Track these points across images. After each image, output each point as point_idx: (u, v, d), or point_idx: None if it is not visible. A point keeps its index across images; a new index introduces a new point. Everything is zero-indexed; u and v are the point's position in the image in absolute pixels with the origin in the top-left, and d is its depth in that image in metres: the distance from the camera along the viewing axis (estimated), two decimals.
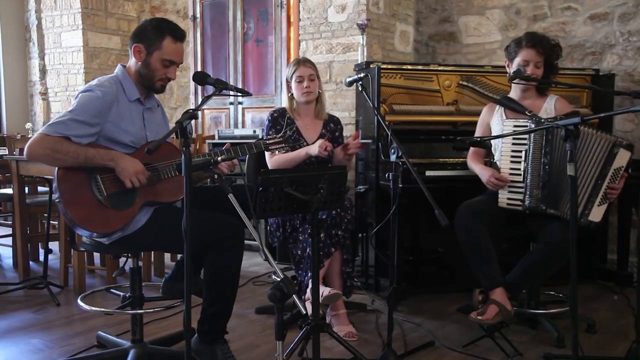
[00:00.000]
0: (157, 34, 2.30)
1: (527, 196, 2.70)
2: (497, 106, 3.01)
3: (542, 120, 2.69)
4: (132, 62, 2.37)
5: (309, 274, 2.74)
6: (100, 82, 2.31)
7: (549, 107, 2.91)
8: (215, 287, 2.28)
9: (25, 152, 2.16)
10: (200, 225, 2.09)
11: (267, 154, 3.09)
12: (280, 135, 2.51)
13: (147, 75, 2.34)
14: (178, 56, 2.35)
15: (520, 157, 2.72)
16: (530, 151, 2.69)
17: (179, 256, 3.38)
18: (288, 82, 3.19)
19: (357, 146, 3.00)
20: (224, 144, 2.40)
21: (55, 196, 2.18)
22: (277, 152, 2.55)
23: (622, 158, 2.64)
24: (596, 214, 2.66)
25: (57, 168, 2.18)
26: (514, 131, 2.71)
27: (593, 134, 2.63)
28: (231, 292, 2.33)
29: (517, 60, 2.84)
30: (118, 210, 2.19)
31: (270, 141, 2.42)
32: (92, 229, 2.19)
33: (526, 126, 2.68)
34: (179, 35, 2.34)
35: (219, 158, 2.25)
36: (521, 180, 2.71)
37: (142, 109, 2.38)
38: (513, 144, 2.76)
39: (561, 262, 2.57)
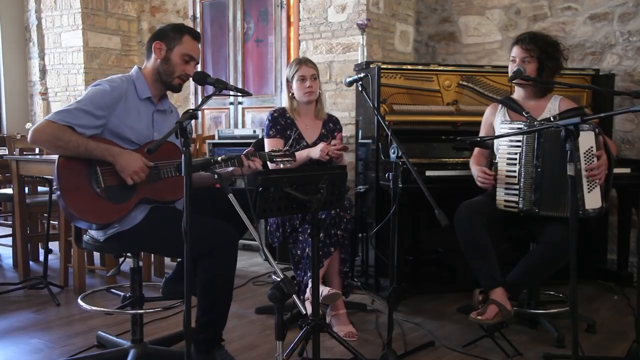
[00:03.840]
0: (177, 32, 2.39)
1: (520, 198, 2.70)
2: (500, 106, 3.02)
3: (536, 123, 2.69)
4: (149, 61, 2.41)
5: (309, 274, 2.74)
6: (111, 78, 2.37)
7: (552, 107, 2.90)
8: (209, 295, 2.24)
9: (29, 136, 2.21)
10: (193, 230, 2.07)
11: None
12: (286, 149, 2.53)
13: (166, 70, 2.37)
14: (197, 53, 2.42)
15: (516, 159, 2.72)
16: (523, 154, 2.69)
17: None
18: (289, 82, 3.19)
19: (338, 148, 2.97)
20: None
21: (53, 185, 2.21)
22: (281, 165, 2.54)
23: (586, 140, 2.59)
24: (591, 200, 2.62)
25: (58, 156, 2.21)
26: (507, 133, 2.72)
27: (551, 132, 2.61)
28: (225, 299, 2.28)
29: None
30: (114, 203, 2.21)
31: (276, 154, 2.46)
32: (86, 219, 2.20)
33: (520, 128, 2.67)
34: (196, 34, 2.44)
35: (219, 158, 2.25)
36: (516, 182, 2.71)
37: (152, 109, 2.40)
38: (509, 146, 2.76)
39: (561, 262, 2.57)
